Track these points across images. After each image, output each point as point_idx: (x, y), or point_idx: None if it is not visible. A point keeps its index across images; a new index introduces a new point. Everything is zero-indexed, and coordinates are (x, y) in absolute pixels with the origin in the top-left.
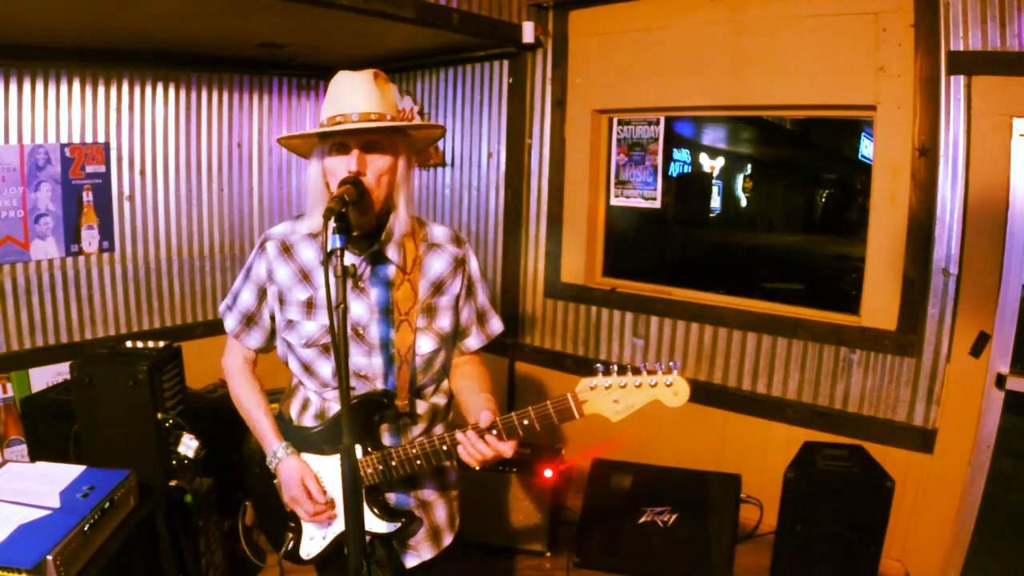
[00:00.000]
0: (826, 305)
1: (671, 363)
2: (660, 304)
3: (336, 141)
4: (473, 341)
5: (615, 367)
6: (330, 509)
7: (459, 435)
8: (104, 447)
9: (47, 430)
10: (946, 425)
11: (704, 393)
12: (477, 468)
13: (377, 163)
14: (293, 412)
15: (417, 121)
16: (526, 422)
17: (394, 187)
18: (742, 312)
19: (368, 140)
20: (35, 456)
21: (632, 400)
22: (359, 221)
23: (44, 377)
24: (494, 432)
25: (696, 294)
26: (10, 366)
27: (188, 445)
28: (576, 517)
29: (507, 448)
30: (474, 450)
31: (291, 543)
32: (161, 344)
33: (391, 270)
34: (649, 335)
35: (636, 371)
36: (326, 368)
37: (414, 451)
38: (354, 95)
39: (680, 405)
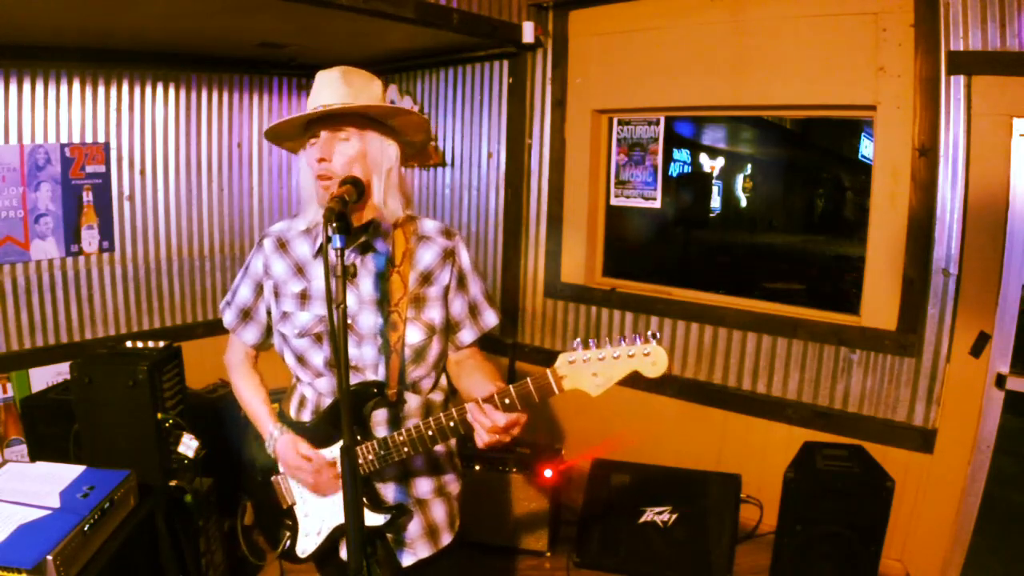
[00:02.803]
0: (826, 305)
1: (650, 333)
2: (660, 304)
3: (311, 132)
4: (467, 334)
5: (592, 341)
6: (331, 470)
7: (470, 406)
8: (104, 447)
9: (47, 430)
10: (946, 425)
11: (704, 393)
12: (485, 446)
13: (344, 149)
14: (292, 411)
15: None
16: (507, 400)
17: (369, 175)
18: (742, 312)
19: (335, 128)
20: (35, 456)
21: (611, 373)
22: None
23: (44, 377)
24: (506, 402)
25: (696, 294)
26: (10, 366)
27: (188, 445)
28: (576, 517)
29: (502, 417)
30: (486, 419)
31: (287, 541)
32: (161, 344)
33: (381, 261)
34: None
35: (616, 343)
36: (318, 357)
37: (401, 438)
38: (322, 91)
39: (659, 375)
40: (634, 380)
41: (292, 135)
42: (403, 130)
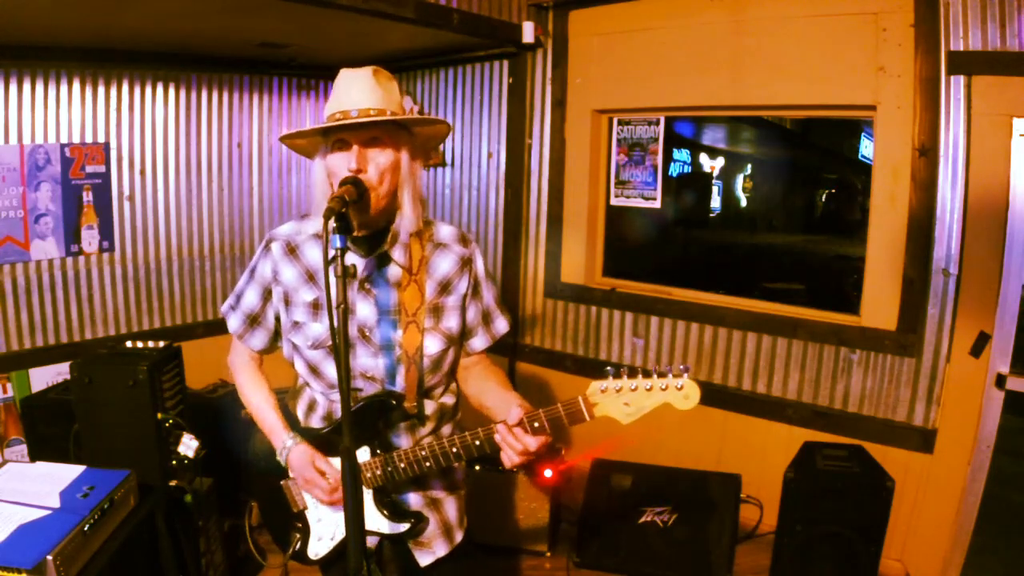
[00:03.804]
0: (826, 305)
1: (681, 366)
2: (660, 304)
3: (337, 138)
4: (479, 341)
5: (625, 369)
6: None
7: (500, 428)
8: (104, 447)
9: (47, 430)
10: (946, 425)
11: (704, 393)
12: (512, 467)
13: (378, 159)
14: (300, 413)
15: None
16: (536, 424)
17: (398, 185)
18: (742, 312)
19: (369, 136)
20: (35, 456)
21: (643, 403)
22: (364, 220)
23: (44, 377)
24: (535, 425)
25: (696, 294)
26: (10, 366)
27: (188, 445)
28: (576, 517)
29: (533, 442)
30: (517, 443)
31: (298, 543)
32: (161, 344)
33: (397, 271)
34: (649, 335)
35: (647, 374)
36: (332, 370)
37: (423, 452)
38: (353, 92)
39: (691, 408)
40: None
41: (307, 134)
42: (426, 135)
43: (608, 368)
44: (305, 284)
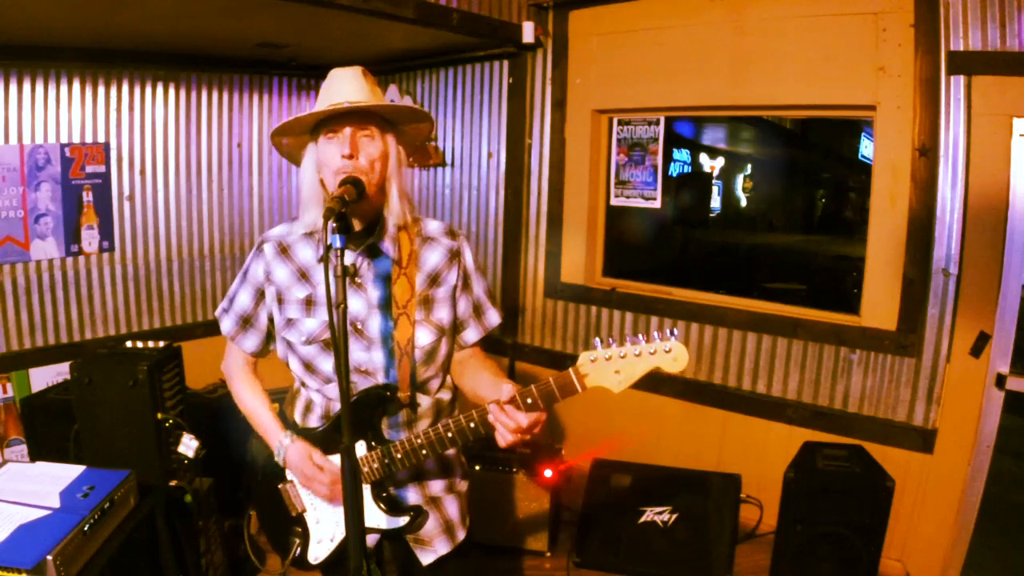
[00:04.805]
0: (826, 305)
1: (668, 330)
2: (660, 304)
3: (329, 128)
4: (471, 333)
5: (612, 339)
6: None
7: (492, 406)
8: (104, 447)
9: (47, 430)
10: (946, 425)
11: (704, 393)
12: (507, 446)
13: (369, 149)
14: (297, 416)
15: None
16: (529, 400)
17: (387, 179)
18: (742, 312)
19: (360, 125)
20: (35, 456)
21: (633, 370)
22: (357, 214)
23: (44, 377)
24: (528, 401)
25: (696, 294)
26: (10, 366)
27: (188, 445)
28: (576, 517)
29: (525, 418)
30: (509, 420)
31: (298, 548)
32: (161, 344)
33: (387, 264)
34: (649, 335)
35: (635, 340)
36: (327, 364)
37: (419, 441)
38: (345, 87)
39: (680, 370)
40: None
41: (297, 131)
42: (410, 134)
43: (596, 339)
44: (298, 282)
